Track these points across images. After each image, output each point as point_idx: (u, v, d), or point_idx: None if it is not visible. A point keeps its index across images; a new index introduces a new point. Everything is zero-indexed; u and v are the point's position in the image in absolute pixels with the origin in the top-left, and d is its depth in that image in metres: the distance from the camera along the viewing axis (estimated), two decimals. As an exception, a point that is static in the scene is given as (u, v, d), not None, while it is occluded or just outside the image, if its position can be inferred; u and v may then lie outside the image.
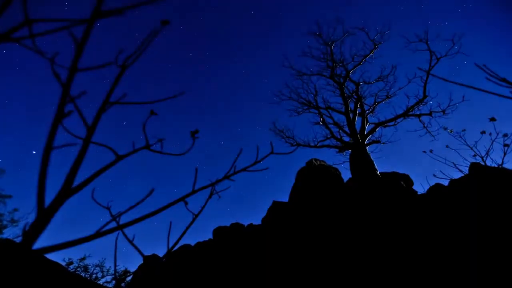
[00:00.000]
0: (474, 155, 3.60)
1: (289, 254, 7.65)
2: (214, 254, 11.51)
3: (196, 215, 0.85)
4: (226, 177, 0.80)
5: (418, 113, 10.75)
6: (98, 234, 0.64)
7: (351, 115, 11.34)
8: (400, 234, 8.54)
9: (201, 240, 13.70)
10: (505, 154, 3.29)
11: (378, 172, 9.31)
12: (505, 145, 3.37)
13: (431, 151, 4.13)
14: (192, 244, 12.88)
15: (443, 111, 10.30)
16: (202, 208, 0.85)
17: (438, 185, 11.60)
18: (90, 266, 20.10)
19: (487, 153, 3.40)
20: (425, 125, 10.77)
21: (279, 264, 7.67)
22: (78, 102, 0.64)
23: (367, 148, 10.11)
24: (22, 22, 0.56)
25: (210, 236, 14.44)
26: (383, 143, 11.19)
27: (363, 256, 7.27)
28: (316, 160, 10.25)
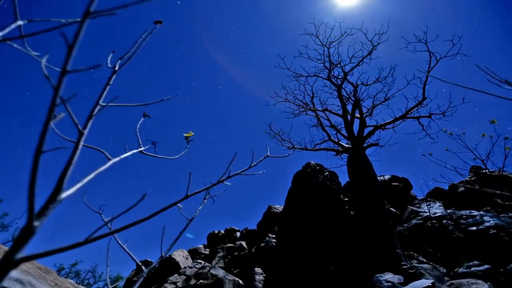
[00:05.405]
0: (475, 158, 3.58)
1: (285, 258, 7.60)
2: (209, 259, 11.44)
3: (190, 220, 0.83)
4: (221, 181, 0.78)
5: (417, 115, 10.66)
6: (90, 240, 0.62)
7: (349, 117, 11.27)
8: (399, 236, 8.50)
9: (195, 245, 13.55)
10: (506, 157, 3.26)
11: (377, 176, 9.29)
12: (506, 148, 3.35)
13: (430, 154, 4.11)
14: (186, 249, 12.73)
15: (443, 113, 10.21)
16: (196, 213, 0.83)
17: (437, 189, 11.54)
18: (82, 272, 19.80)
19: (487, 156, 3.38)
20: (425, 128, 10.69)
21: (275, 267, 7.62)
22: (69, 105, 0.63)
23: (365, 151, 10.08)
24: (13, 22, 0.55)
25: (205, 241, 14.31)
26: (382, 146, 11.12)
27: (359, 259, 7.23)
28: (313, 163, 10.22)
